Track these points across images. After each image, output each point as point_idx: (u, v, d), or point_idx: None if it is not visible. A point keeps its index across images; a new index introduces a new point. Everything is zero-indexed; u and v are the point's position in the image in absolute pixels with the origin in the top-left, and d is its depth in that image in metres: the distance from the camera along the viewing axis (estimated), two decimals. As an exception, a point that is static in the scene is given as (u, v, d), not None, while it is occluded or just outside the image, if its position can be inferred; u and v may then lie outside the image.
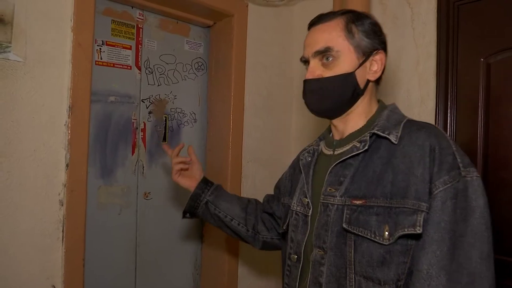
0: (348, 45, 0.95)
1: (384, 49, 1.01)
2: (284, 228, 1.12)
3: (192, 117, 1.97)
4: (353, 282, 0.88)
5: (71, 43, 1.34)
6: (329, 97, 0.98)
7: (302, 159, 1.11)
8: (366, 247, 0.87)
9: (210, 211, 1.31)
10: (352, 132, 1.00)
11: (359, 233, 0.87)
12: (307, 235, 0.99)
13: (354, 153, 0.93)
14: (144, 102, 1.79)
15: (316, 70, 0.98)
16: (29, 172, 1.27)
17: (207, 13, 1.86)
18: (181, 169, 1.36)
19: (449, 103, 1.56)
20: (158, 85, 1.84)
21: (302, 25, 2.10)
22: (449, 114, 1.55)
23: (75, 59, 1.35)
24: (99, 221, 1.61)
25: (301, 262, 1.00)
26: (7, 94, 1.22)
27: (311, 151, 1.11)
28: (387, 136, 0.91)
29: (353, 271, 0.88)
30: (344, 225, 0.89)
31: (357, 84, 0.97)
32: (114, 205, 1.68)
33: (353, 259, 0.88)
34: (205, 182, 1.35)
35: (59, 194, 1.33)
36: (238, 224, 1.30)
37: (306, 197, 1.02)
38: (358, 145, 0.94)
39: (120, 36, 1.70)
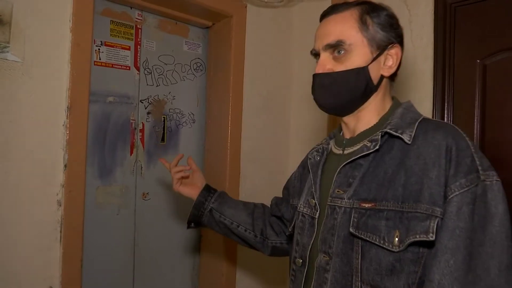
0: (362, 37, 0.90)
1: (401, 43, 0.94)
2: (290, 230, 1.09)
3: (191, 118, 1.97)
4: None
5: (70, 43, 1.34)
6: (339, 92, 0.92)
7: (310, 158, 1.05)
8: (375, 253, 0.81)
9: (215, 218, 1.26)
10: (364, 131, 0.94)
11: (367, 239, 0.81)
12: (313, 239, 0.94)
13: (364, 153, 0.88)
14: (142, 102, 1.79)
15: (327, 64, 0.92)
16: (27, 172, 1.27)
17: (206, 14, 1.86)
18: (182, 178, 1.31)
19: (446, 105, 1.57)
20: (157, 86, 1.84)
21: (301, 26, 2.13)
22: (445, 116, 1.56)
23: (73, 60, 1.35)
24: (97, 222, 1.62)
25: (306, 266, 0.95)
26: (5, 95, 1.22)
27: (320, 150, 1.05)
28: (400, 135, 0.85)
29: (359, 279, 0.82)
30: (351, 230, 0.83)
31: (370, 80, 0.91)
32: (112, 206, 1.68)
33: (360, 266, 0.83)
34: (208, 190, 1.30)
35: (57, 195, 1.33)
36: (245, 230, 1.24)
37: (313, 198, 0.97)
38: (368, 144, 0.88)
39: (119, 36, 1.70)
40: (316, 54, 0.97)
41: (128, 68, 1.73)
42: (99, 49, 1.63)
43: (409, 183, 0.80)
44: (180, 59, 1.92)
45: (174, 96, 1.90)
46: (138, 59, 1.77)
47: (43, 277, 1.31)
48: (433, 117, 1.58)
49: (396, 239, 0.79)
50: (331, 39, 0.91)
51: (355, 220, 0.84)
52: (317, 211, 0.94)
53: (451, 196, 0.77)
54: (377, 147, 0.86)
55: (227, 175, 1.86)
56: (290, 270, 1.02)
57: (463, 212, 0.76)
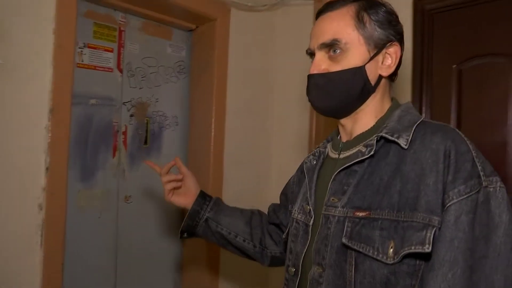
0: (358, 35, 0.85)
1: (400, 40, 0.89)
2: (284, 236, 1.05)
3: (174, 120, 1.97)
4: None
5: (53, 45, 1.33)
6: (335, 94, 0.87)
7: (306, 162, 1.00)
8: (369, 266, 0.76)
9: (212, 229, 1.18)
10: (360, 134, 0.90)
11: (360, 250, 0.76)
12: (306, 247, 0.89)
13: (358, 159, 0.83)
14: (125, 105, 1.78)
15: (322, 63, 0.88)
16: (7, 175, 1.25)
17: (189, 17, 1.87)
18: (174, 188, 1.22)
19: (423, 108, 1.62)
20: (140, 88, 1.83)
21: (284, 30, 2.15)
22: (424, 120, 1.61)
23: (56, 62, 1.33)
24: (78, 225, 1.60)
25: (299, 276, 0.90)
26: (-15, 96, 1.20)
27: (316, 154, 1.00)
28: (396, 140, 0.80)
29: None
30: (344, 240, 0.79)
31: (368, 80, 0.86)
32: (94, 209, 1.67)
33: (353, 279, 0.77)
34: (203, 197, 1.21)
35: (39, 198, 1.31)
36: (244, 241, 1.17)
37: (308, 205, 0.92)
38: (363, 150, 0.84)
39: (102, 38, 1.69)
40: (311, 54, 0.92)
41: (111, 70, 1.72)
42: (81, 51, 1.62)
43: (405, 190, 0.76)
44: (164, 62, 1.92)
45: (157, 99, 1.90)
46: (121, 61, 1.76)
47: (23, 281, 1.28)
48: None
49: (391, 250, 0.73)
50: (326, 37, 0.86)
51: (349, 229, 0.79)
52: (311, 218, 0.90)
53: (449, 204, 0.72)
54: (371, 153, 0.82)
55: (210, 178, 1.86)
56: (283, 278, 0.98)
57: (462, 222, 0.71)
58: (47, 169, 1.32)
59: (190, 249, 1.95)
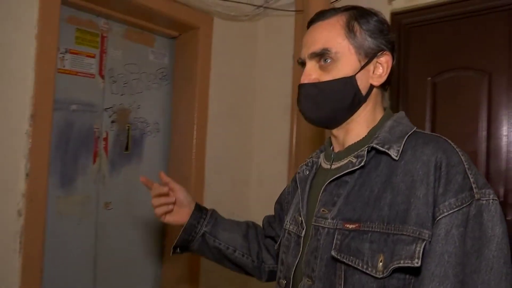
0: (348, 45, 0.84)
1: (392, 50, 0.88)
2: (276, 247, 1.03)
3: (156, 127, 1.97)
4: None
5: (35, 50, 1.32)
6: (326, 104, 0.86)
7: (299, 172, 0.99)
8: (358, 279, 0.74)
9: (209, 244, 1.10)
10: (352, 144, 0.89)
11: (349, 263, 0.74)
12: (298, 259, 0.87)
13: (349, 170, 0.82)
14: (107, 111, 1.77)
15: (313, 73, 0.87)
16: (-14, 181, 1.23)
17: (172, 25, 1.88)
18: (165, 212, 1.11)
19: (400, 119, 1.68)
20: (122, 95, 1.83)
21: (265, 39, 2.19)
22: (400, 129, 1.68)
23: (38, 67, 1.33)
24: (57, 232, 1.58)
25: None
26: (-35, 101, 1.19)
27: (309, 164, 0.99)
28: (387, 151, 0.79)
29: None
30: (333, 253, 0.77)
31: (358, 90, 0.85)
32: (74, 215, 1.65)
33: None
34: (199, 210, 1.12)
35: (18, 204, 1.30)
36: (243, 256, 1.11)
37: (300, 216, 0.90)
38: (354, 160, 0.83)
39: (84, 44, 1.69)
40: (302, 63, 0.90)
41: (93, 76, 1.72)
42: (63, 56, 1.61)
43: (396, 202, 0.75)
44: (146, 68, 1.93)
45: (139, 105, 1.90)
46: (103, 68, 1.76)
47: (1, 289, 1.27)
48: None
49: (380, 264, 0.71)
50: (317, 47, 0.85)
51: (338, 242, 0.77)
52: (303, 229, 0.88)
53: (440, 217, 0.70)
54: (362, 164, 0.81)
55: (191, 185, 1.87)
56: None
57: (452, 235, 0.69)
58: (27, 175, 1.31)
59: (170, 256, 1.94)
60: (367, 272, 0.72)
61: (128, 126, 1.86)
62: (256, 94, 2.18)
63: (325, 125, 0.93)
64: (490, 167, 1.52)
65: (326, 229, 0.80)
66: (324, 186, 0.85)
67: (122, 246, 1.82)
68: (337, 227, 0.78)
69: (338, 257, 0.76)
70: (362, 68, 0.85)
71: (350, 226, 0.77)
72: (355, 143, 0.88)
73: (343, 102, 0.86)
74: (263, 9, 2.04)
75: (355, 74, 0.85)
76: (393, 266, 0.70)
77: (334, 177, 0.84)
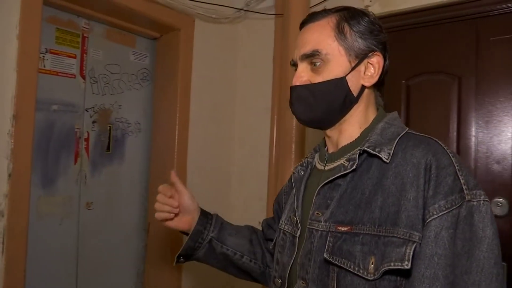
0: (338, 46, 0.85)
1: (384, 50, 0.88)
2: (271, 247, 1.04)
3: (137, 127, 1.98)
4: None
5: (17, 50, 1.32)
6: (317, 105, 0.87)
7: (294, 173, 0.99)
8: (350, 281, 0.75)
9: (216, 250, 1.06)
10: (345, 145, 0.89)
11: (342, 265, 0.75)
12: (293, 259, 0.88)
13: (341, 173, 0.83)
14: (88, 111, 1.77)
15: (304, 75, 0.87)
16: (-33, 182, 1.22)
17: (154, 26, 1.90)
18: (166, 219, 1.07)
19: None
20: (103, 95, 1.83)
21: (245, 41, 2.23)
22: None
23: (20, 67, 1.33)
24: (39, 232, 1.57)
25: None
26: None
27: (304, 164, 0.99)
28: (378, 154, 0.79)
29: None
30: (325, 255, 0.77)
31: (349, 91, 0.85)
32: (55, 216, 1.65)
33: None
34: (205, 215, 1.08)
35: (0, 205, 1.29)
36: (250, 261, 1.08)
37: (295, 216, 0.90)
38: (346, 164, 0.83)
39: (64, 44, 1.68)
40: (294, 65, 0.91)
41: (73, 76, 1.72)
42: (43, 56, 1.60)
43: (386, 204, 0.75)
44: (127, 69, 1.93)
45: (120, 106, 1.90)
46: (84, 68, 1.75)
47: (-18, 291, 1.26)
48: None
49: (372, 266, 0.72)
50: (307, 49, 0.86)
51: (330, 244, 0.78)
52: (298, 229, 0.88)
53: (429, 219, 0.71)
54: (354, 167, 0.81)
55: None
56: None
57: (442, 237, 0.69)
58: (9, 175, 1.30)
59: (152, 254, 1.96)
60: (359, 274, 0.73)
61: (109, 126, 1.86)
62: (237, 95, 2.22)
63: (317, 126, 0.93)
64: (459, 166, 1.61)
65: (320, 232, 0.81)
66: (317, 189, 0.86)
67: (103, 246, 1.82)
68: (330, 230, 0.79)
69: (331, 260, 0.77)
70: (352, 69, 0.85)
71: (342, 229, 0.77)
72: (348, 144, 0.89)
73: (335, 103, 0.86)
74: (244, 12, 2.08)
75: (346, 75, 0.85)
76: (384, 269, 0.70)
77: (327, 180, 0.85)
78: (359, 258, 0.74)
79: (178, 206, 1.05)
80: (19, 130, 1.32)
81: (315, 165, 0.97)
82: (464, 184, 0.72)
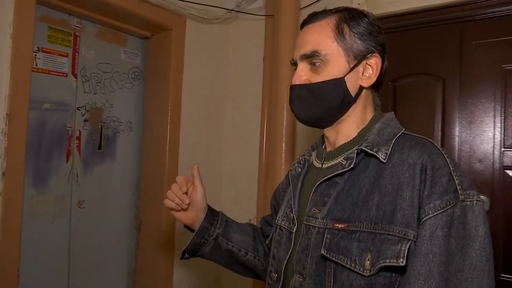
0: (338, 47, 0.86)
1: (382, 51, 0.90)
2: (268, 242, 1.06)
3: (128, 126, 1.99)
4: None
5: (10, 50, 1.32)
6: (316, 104, 0.89)
7: (291, 170, 1.01)
8: (346, 277, 0.77)
9: (222, 247, 1.08)
10: (342, 144, 0.91)
11: (338, 261, 0.78)
12: (289, 254, 0.90)
13: (339, 171, 0.85)
14: (79, 110, 1.78)
15: (303, 74, 0.89)
16: (-39, 180, 1.23)
17: (145, 25, 1.91)
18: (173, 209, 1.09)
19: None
20: (95, 94, 1.84)
21: (236, 41, 2.26)
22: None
23: (14, 66, 1.33)
24: (31, 231, 1.57)
25: (281, 282, 0.91)
26: None
27: (302, 161, 1.01)
28: (375, 153, 0.82)
29: None
30: (323, 251, 0.80)
31: (347, 91, 0.87)
32: (47, 214, 1.65)
33: None
34: (212, 212, 1.11)
35: (-6, 203, 1.30)
36: (254, 258, 1.11)
37: (292, 212, 0.93)
38: (343, 162, 0.85)
39: (56, 43, 1.69)
40: (294, 64, 0.93)
41: (65, 75, 1.72)
42: (35, 55, 1.60)
43: (383, 203, 0.77)
44: (118, 68, 1.94)
45: (111, 104, 1.91)
46: (76, 67, 1.76)
47: (-24, 289, 1.26)
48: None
49: (368, 262, 0.74)
50: (307, 49, 0.88)
51: (327, 241, 0.80)
52: (294, 225, 0.90)
53: (425, 218, 0.73)
54: (351, 166, 0.83)
55: (165, 183, 1.91)
56: (266, 283, 0.99)
57: (437, 236, 0.72)
58: (3, 174, 1.31)
59: (143, 251, 1.98)
60: (355, 270, 0.75)
61: (101, 125, 1.87)
62: (228, 94, 2.25)
63: (316, 125, 0.95)
64: (444, 164, 1.67)
65: (317, 228, 0.83)
66: (315, 187, 0.88)
67: (95, 244, 1.83)
68: (327, 227, 0.81)
69: (328, 256, 0.79)
70: (351, 70, 0.87)
71: (339, 226, 0.80)
72: (345, 143, 0.91)
73: (333, 103, 0.88)
74: (235, 13, 2.10)
75: (344, 76, 0.87)
76: (380, 265, 0.73)
77: (324, 178, 0.87)
78: (355, 255, 0.76)
79: (189, 204, 1.07)
80: (13, 129, 1.33)
81: (312, 162, 0.99)
82: (459, 185, 0.74)
